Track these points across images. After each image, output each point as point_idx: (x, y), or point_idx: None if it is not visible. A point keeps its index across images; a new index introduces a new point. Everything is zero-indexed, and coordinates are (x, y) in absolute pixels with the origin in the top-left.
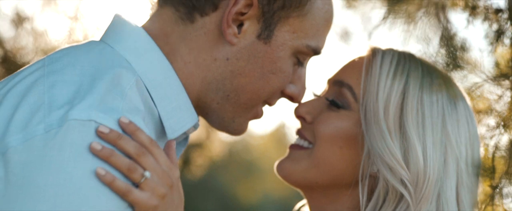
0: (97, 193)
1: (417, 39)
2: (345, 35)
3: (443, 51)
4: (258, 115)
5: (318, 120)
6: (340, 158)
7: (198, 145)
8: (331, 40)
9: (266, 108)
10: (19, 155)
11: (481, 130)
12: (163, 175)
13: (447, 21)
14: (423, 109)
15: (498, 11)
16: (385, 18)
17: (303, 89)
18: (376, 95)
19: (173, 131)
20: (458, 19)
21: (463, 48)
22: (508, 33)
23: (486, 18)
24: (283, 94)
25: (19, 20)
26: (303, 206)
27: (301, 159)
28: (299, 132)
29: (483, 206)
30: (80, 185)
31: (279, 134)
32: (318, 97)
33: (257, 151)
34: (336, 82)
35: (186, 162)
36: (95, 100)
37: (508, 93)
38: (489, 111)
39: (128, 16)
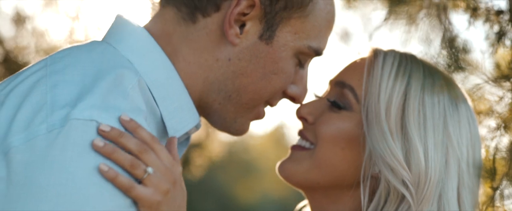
0: (100, 189)
1: (418, 41)
2: (346, 36)
3: (444, 52)
4: (260, 115)
5: (319, 120)
6: (341, 158)
7: (197, 145)
8: (332, 41)
9: (265, 108)
10: (21, 155)
11: (482, 131)
12: (165, 171)
13: (449, 22)
14: (424, 110)
15: (499, 12)
16: (386, 19)
17: (304, 90)
18: (377, 97)
19: (175, 131)
20: (459, 20)
21: (465, 49)
22: (509, 35)
23: (487, 20)
24: (285, 95)
25: (19, 20)
26: (304, 206)
27: (302, 159)
28: (300, 133)
29: (484, 208)
30: (82, 185)
31: (278, 134)
32: (319, 98)
33: (256, 151)
34: (338, 83)
35: (185, 162)
36: (97, 100)
37: (509, 94)
38: (490, 112)
39: (130, 16)
